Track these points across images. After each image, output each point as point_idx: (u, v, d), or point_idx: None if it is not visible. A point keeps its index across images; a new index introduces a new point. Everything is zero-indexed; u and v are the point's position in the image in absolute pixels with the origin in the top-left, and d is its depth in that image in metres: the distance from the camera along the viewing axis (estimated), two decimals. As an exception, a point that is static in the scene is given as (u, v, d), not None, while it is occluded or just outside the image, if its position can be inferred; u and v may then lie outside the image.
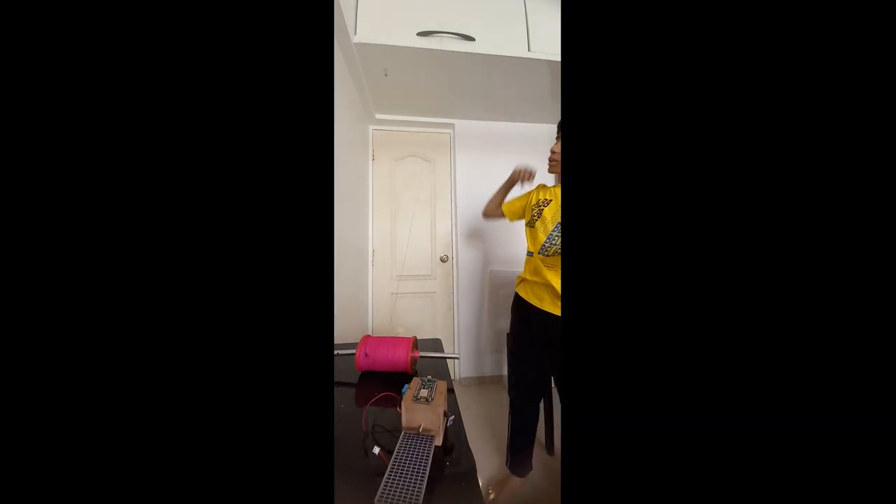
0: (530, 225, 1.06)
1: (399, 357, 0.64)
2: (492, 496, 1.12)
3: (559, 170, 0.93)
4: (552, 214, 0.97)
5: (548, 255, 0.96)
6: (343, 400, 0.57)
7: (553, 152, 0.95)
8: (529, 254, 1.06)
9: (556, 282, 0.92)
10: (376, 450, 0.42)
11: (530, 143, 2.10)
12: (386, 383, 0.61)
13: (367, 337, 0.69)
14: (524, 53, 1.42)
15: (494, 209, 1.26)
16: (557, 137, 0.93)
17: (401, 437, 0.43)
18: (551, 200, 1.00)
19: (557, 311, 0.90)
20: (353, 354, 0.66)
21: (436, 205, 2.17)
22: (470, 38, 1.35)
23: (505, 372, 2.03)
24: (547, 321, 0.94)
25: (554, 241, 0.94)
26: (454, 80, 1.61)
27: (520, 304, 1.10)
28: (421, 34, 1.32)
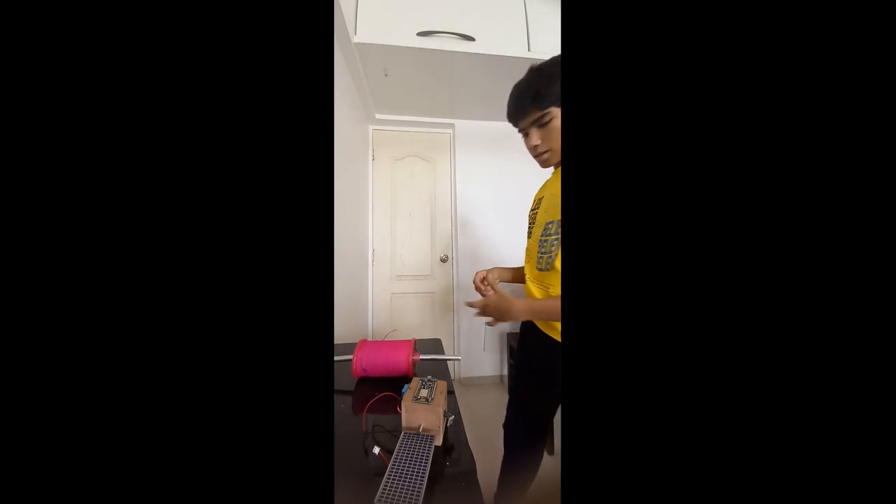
0: (529, 236, 0.81)
1: (400, 362, 0.63)
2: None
3: (554, 160, 0.69)
4: (543, 215, 0.73)
5: (542, 271, 0.71)
6: (342, 404, 0.57)
7: (534, 148, 0.70)
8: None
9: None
10: (376, 450, 0.42)
11: (530, 143, 2.10)
12: (385, 386, 0.61)
13: (364, 342, 0.66)
14: (524, 53, 1.42)
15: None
16: (522, 131, 0.71)
17: (401, 437, 0.43)
18: (542, 198, 0.78)
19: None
20: (349, 360, 0.64)
21: (436, 205, 2.17)
22: (470, 38, 1.35)
23: (505, 371, 2.03)
24: (553, 351, 0.70)
25: (545, 249, 0.69)
26: (454, 80, 1.61)
27: (528, 331, 0.81)
28: (421, 34, 1.32)
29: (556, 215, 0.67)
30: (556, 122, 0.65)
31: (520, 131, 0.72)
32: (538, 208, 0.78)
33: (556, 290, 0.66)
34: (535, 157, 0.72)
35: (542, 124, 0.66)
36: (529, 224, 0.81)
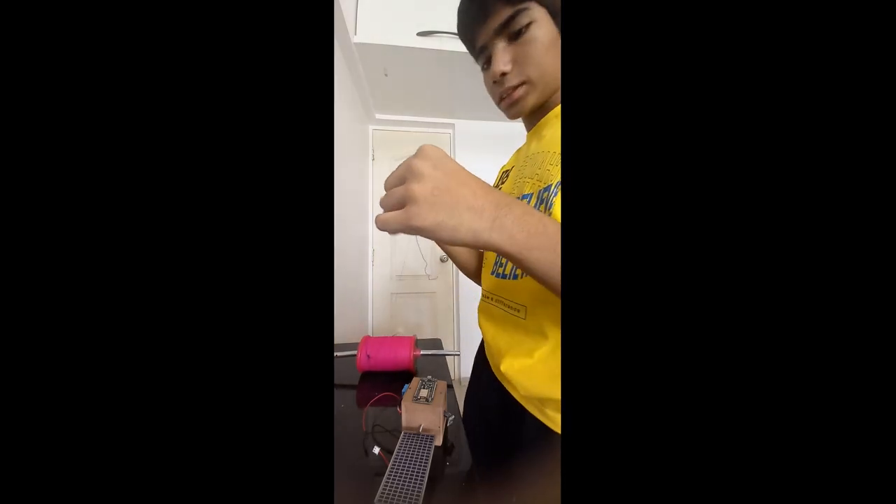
0: None
1: (402, 356, 0.64)
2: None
3: (531, 100, 0.42)
4: (509, 190, 0.48)
5: (503, 278, 0.45)
6: (343, 401, 0.57)
7: (501, 78, 0.41)
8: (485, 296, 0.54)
9: (505, 342, 0.45)
10: (376, 450, 0.42)
11: (530, 143, 2.10)
12: (387, 383, 0.61)
13: (367, 338, 0.69)
14: (524, 53, 1.42)
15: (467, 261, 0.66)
16: (483, 53, 0.42)
17: (401, 437, 0.43)
18: (510, 170, 0.52)
19: (513, 384, 0.45)
20: (353, 356, 0.66)
21: (436, 205, 2.17)
22: (470, 38, 1.35)
23: (505, 372, 2.03)
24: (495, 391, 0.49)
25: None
26: (454, 80, 1.61)
27: (481, 357, 0.59)
28: (421, 34, 1.32)
29: (531, 186, 0.40)
30: (539, 32, 0.37)
31: (480, 55, 0.44)
32: (502, 185, 0.52)
33: (534, 311, 0.40)
34: (502, 99, 0.44)
35: (513, 34, 0.38)
36: None
